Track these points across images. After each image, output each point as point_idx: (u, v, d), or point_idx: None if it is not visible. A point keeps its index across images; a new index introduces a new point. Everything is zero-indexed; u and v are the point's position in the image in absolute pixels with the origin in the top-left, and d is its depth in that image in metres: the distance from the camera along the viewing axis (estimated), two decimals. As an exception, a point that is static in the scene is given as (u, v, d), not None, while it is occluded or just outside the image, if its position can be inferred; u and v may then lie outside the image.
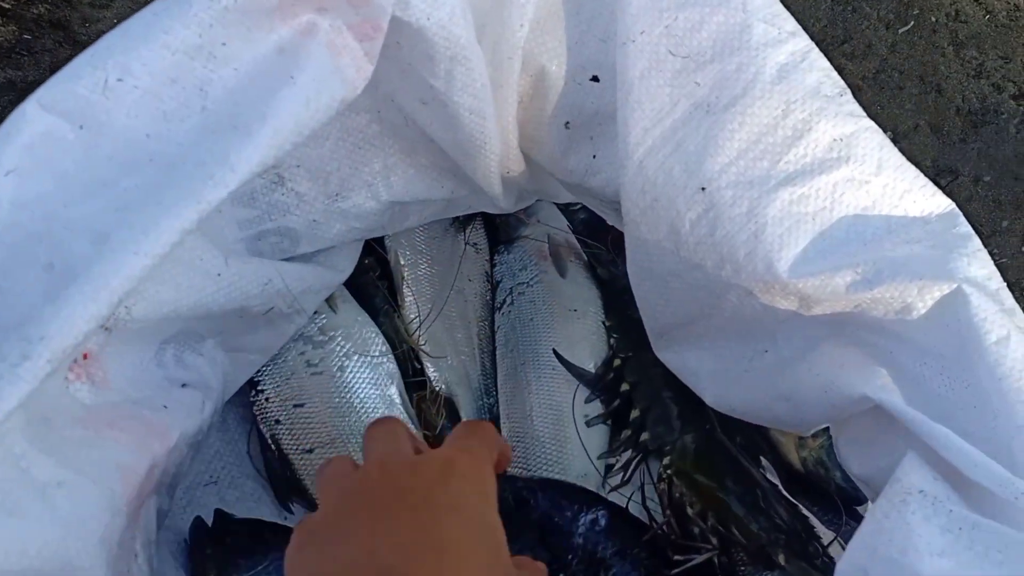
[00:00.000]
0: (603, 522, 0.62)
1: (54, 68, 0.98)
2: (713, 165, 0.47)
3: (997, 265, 0.48)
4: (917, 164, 0.50)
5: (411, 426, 0.64)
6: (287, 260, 0.62)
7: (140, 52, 0.37)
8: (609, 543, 0.61)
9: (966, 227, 0.43)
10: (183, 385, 0.54)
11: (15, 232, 0.34)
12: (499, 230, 0.85)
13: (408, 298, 0.78)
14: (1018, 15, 1.26)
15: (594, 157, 0.59)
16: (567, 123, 0.59)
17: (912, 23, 1.23)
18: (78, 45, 0.98)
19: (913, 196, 0.44)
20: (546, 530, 0.62)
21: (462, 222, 0.84)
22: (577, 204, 0.84)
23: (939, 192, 0.45)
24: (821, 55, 0.48)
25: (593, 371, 0.73)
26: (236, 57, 0.40)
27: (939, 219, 0.44)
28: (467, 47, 0.47)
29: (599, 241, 0.82)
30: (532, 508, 0.63)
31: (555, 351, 0.75)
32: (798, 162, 0.45)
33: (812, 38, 0.49)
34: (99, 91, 0.35)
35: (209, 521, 0.63)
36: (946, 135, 1.13)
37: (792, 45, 0.47)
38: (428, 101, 0.53)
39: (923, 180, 0.45)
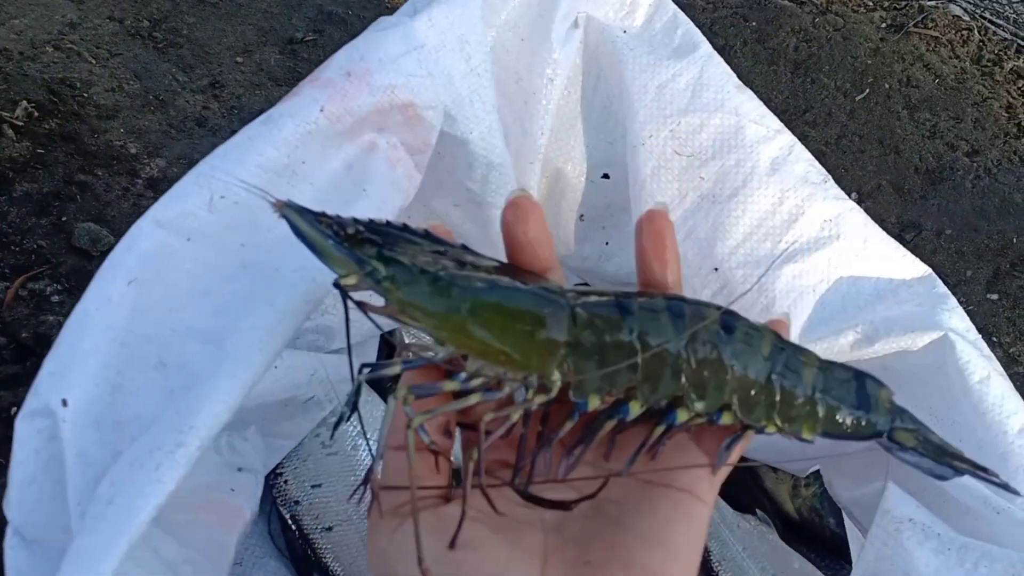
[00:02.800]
0: None
1: (67, 179, 1.02)
2: (723, 248, 0.53)
3: (967, 311, 0.55)
4: (882, 221, 0.57)
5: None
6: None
7: (238, 172, 0.42)
8: None
9: (942, 287, 0.50)
10: (239, 469, 0.57)
11: (130, 336, 0.38)
12: None
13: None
14: (964, 78, 1.37)
15: (607, 244, 0.65)
16: (582, 216, 0.65)
17: (868, 90, 1.34)
18: (88, 155, 1.04)
19: (895, 264, 0.51)
20: None
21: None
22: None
23: (917, 260, 0.52)
24: (803, 147, 0.55)
25: None
26: (312, 174, 0.45)
27: (920, 282, 0.51)
28: (501, 155, 0.54)
29: None
30: None
31: None
32: (796, 241, 0.52)
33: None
34: (205, 208, 0.40)
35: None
36: (907, 193, 1.20)
37: (780, 141, 0.55)
38: (462, 203, 0.59)
39: (903, 250, 0.52)
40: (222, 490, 0.49)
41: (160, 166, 1.07)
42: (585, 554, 0.33)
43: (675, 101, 0.55)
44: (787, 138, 0.55)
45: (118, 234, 0.98)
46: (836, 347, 0.49)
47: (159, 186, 1.05)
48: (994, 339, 1.04)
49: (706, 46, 0.56)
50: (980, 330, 0.60)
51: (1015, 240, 1.16)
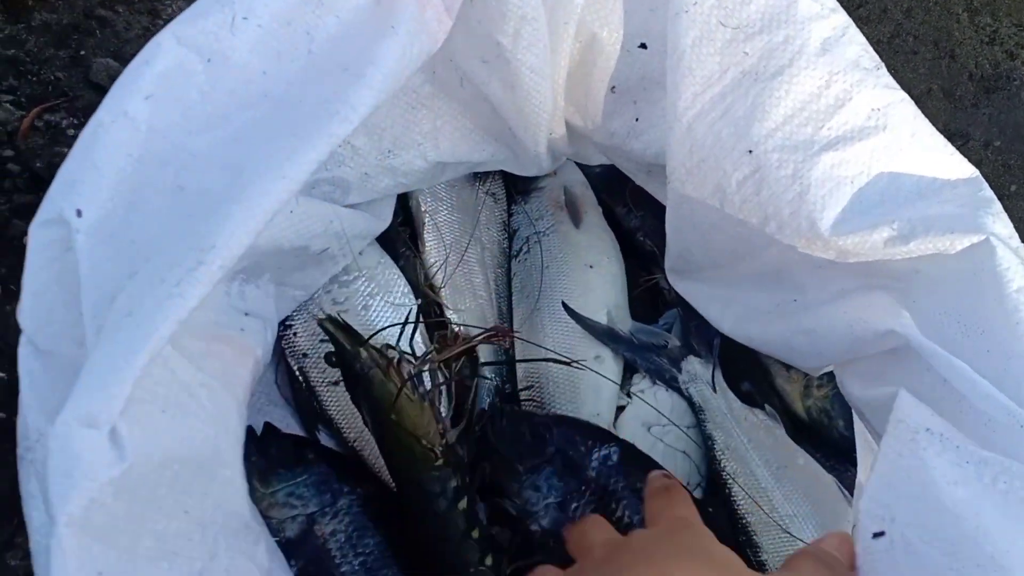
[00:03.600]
0: (615, 458, 0.66)
1: (87, 13, 0.99)
2: (760, 130, 0.51)
3: None
4: None
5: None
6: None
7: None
8: (621, 478, 0.65)
9: (989, 191, 0.48)
10: (246, 314, 0.57)
11: (146, 154, 0.37)
12: (516, 181, 0.88)
13: (429, 243, 0.81)
14: (1032, -17, 1.29)
15: (636, 120, 0.63)
16: (613, 87, 0.62)
17: (928, -12, 1.27)
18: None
19: (942, 163, 0.49)
20: (561, 464, 0.65)
21: (481, 173, 0.88)
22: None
23: (965, 160, 0.49)
24: (857, 30, 0.52)
25: (605, 320, 0.78)
26: (339, 6, 0.43)
27: (965, 183, 0.48)
28: (536, 8, 0.51)
29: (616, 194, 0.86)
30: (547, 443, 0.66)
31: (564, 304, 0.78)
32: (839, 129, 0.49)
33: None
34: (227, 28, 0.38)
35: (258, 432, 0.67)
36: (958, 100, 1.15)
37: (833, 20, 0.51)
38: (490, 59, 0.56)
39: (951, 148, 0.49)
40: (232, 329, 0.49)
41: (181, 7, 1.03)
42: None
43: (725, -34, 0.51)
44: (841, 18, 0.51)
45: None
46: (869, 242, 0.47)
47: (180, 29, 1.02)
48: (1033, 257, 1.01)
49: (763, -95, 0.52)
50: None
51: None
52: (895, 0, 1.26)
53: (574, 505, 0.64)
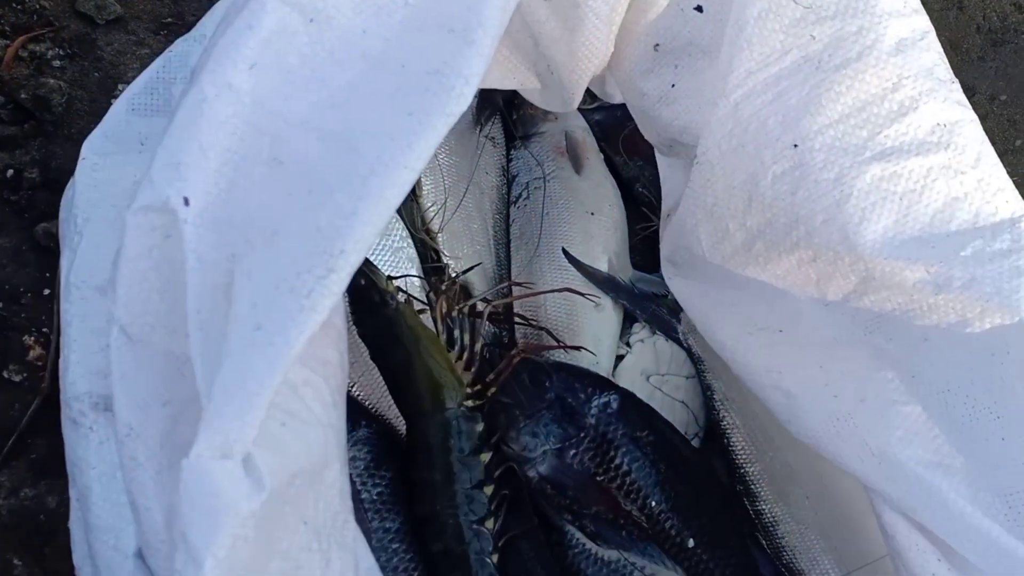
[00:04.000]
0: (615, 406, 0.67)
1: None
2: (811, 124, 0.47)
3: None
4: None
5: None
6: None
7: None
8: (620, 425, 0.66)
9: None
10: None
11: (250, 130, 0.34)
12: (516, 125, 0.86)
13: (427, 187, 0.80)
14: (1044, -69, 1.28)
15: (673, 86, 0.58)
16: (656, 45, 0.59)
17: (934, -65, 1.24)
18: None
19: (1006, 196, 0.45)
20: (560, 410, 0.66)
21: (480, 116, 0.85)
22: (594, 103, 0.87)
23: (1022, 200, 0.45)
24: (937, 40, 0.48)
25: (605, 267, 0.79)
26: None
27: (1012, 228, 0.44)
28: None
29: (613, 140, 0.85)
30: (547, 389, 0.67)
31: (564, 250, 0.78)
32: (897, 139, 0.45)
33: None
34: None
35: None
36: (965, 53, 1.12)
37: (914, 21, 0.47)
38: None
39: (1012, 184, 0.45)
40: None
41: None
42: None
43: (807, -63, 0.49)
44: (923, 21, 0.47)
45: (124, 3, 0.88)
46: (899, 276, 0.44)
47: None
48: (1032, 216, 1.04)
49: None
50: None
51: None
52: (906, -51, 1.23)
53: (572, 452, 0.64)
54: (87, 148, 0.49)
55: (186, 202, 0.33)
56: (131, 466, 0.36)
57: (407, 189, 0.34)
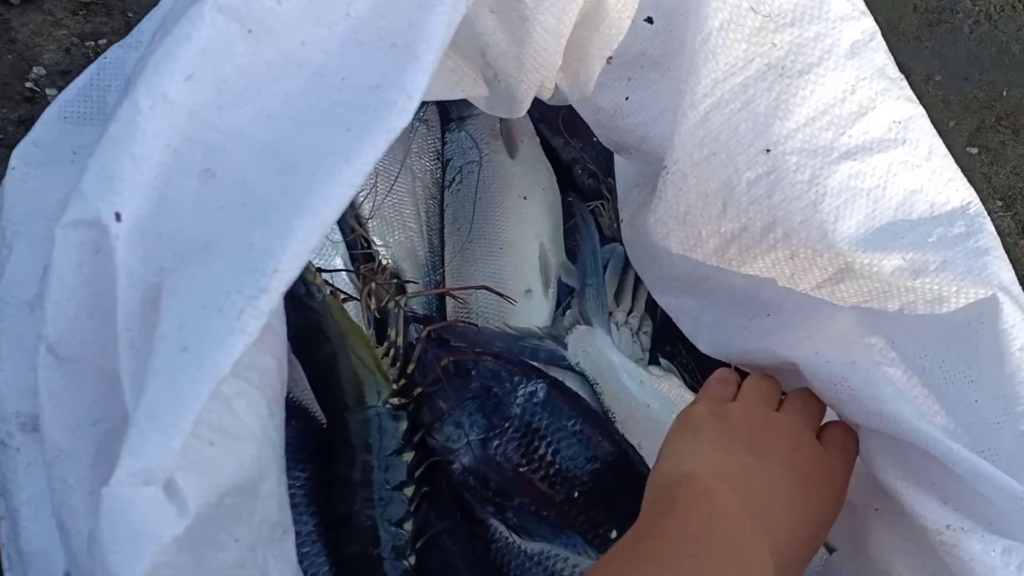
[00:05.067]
0: (541, 395, 0.65)
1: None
2: (781, 129, 0.49)
3: None
4: None
5: (354, 294, 0.64)
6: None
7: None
8: (546, 415, 0.64)
9: (992, 227, 0.47)
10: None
11: (184, 142, 0.33)
12: (450, 108, 0.84)
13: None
14: (977, -91, 1.29)
15: (627, 99, 0.58)
16: (609, 58, 0.59)
17: (872, -80, 1.24)
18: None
19: (956, 185, 0.48)
20: (485, 400, 0.64)
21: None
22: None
23: (971, 188, 0.49)
24: (882, 38, 0.50)
25: (537, 255, 0.76)
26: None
27: (975, 214, 0.48)
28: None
29: (549, 121, 0.83)
30: (472, 378, 0.65)
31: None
32: (859, 138, 0.48)
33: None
34: (275, -5, 0.34)
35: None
36: (902, 32, 1.14)
37: (863, 23, 0.49)
38: (501, 11, 0.52)
39: (961, 173, 0.49)
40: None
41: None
42: None
43: (763, -50, 0.49)
44: (870, 23, 0.49)
45: None
46: (877, 266, 0.47)
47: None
48: (968, 195, 1.05)
49: None
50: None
51: (1004, 92, 1.13)
52: (839, -62, 1.24)
53: (496, 443, 0.63)
54: (16, 157, 0.47)
55: (118, 217, 0.31)
56: (60, 488, 0.34)
57: (344, 205, 0.34)
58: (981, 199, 0.49)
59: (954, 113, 1.12)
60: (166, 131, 0.33)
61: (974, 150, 1.08)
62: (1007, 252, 0.49)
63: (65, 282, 0.32)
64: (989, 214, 0.50)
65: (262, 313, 0.30)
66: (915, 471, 0.44)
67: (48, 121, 0.49)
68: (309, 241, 0.32)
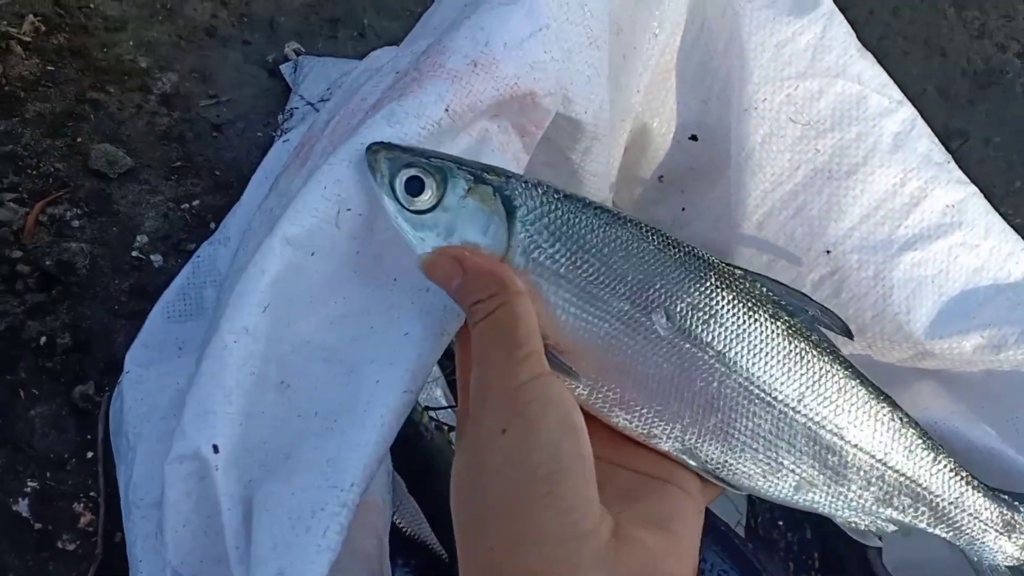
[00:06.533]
0: None
1: (79, 98, 0.95)
2: (837, 229, 0.50)
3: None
4: None
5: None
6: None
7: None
8: None
9: None
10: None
11: (265, 365, 0.36)
12: None
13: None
14: (1015, -28, 1.28)
15: (683, 210, 0.61)
16: (661, 177, 0.61)
17: (913, -14, 1.25)
18: (99, 71, 0.96)
19: (1016, 258, 0.49)
20: None
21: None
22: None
23: None
24: (923, 122, 0.51)
25: None
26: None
27: None
28: (607, 129, 0.50)
29: None
30: None
31: None
32: (916, 227, 0.49)
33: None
34: (332, 222, 0.37)
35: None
36: (954, 98, 1.14)
37: (902, 114, 0.51)
38: (556, 165, 0.55)
39: (1023, 243, 0.50)
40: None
41: (172, 80, 1.00)
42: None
43: (794, 63, 0.51)
44: (909, 111, 0.51)
45: (134, 154, 0.94)
46: (958, 349, 0.48)
47: (172, 102, 0.99)
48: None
49: (828, 2, 0.51)
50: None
51: None
52: (881, 1, 1.26)
53: None
54: (130, 360, 0.51)
55: (215, 449, 0.35)
56: None
57: (408, 411, 0.36)
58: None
59: (1018, 173, 1.10)
60: (249, 360, 0.36)
61: (1043, 208, 1.05)
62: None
63: (178, 510, 0.36)
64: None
65: (344, 527, 0.33)
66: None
67: (154, 322, 0.55)
68: (380, 451, 0.34)
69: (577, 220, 0.38)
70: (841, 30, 0.51)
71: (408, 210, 0.36)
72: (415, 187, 0.36)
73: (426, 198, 0.36)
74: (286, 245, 0.37)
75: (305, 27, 1.07)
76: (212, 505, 0.35)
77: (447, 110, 0.39)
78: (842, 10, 1.29)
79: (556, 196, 0.38)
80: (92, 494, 0.80)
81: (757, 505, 0.71)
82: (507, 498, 0.31)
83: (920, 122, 0.52)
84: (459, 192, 0.37)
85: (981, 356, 0.48)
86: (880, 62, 1.28)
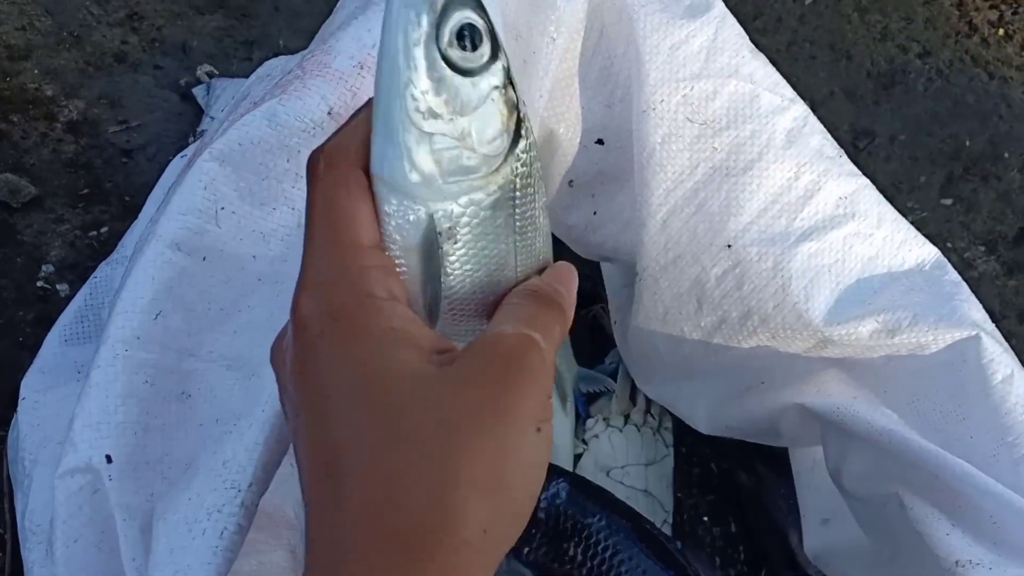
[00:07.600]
0: (563, 495, 0.63)
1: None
2: (736, 224, 0.52)
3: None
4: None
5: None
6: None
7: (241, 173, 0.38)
8: (570, 515, 0.62)
9: (954, 274, 0.50)
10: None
11: (158, 373, 0.35)
12: None
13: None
14: (912, -25, 1.34)
15: (595, 214, 0.62)
16: (571, 182, 0.62)
17: (817, -7, 1.31)
18: (2, 100, 0.93)
19: (908, 246, 0.51)
20: None
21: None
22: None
23: (927, 242, 0.52)
24: (815, 119, 0.53)
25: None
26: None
27: (932, 267, 0.50)
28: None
29: None
30: None
31: None
32: (811, 219, 0.51)
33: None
34: (212, 221, 0.37)
35: None
36: (860, 99, 1.18)
37: (794, 111, 0.52)
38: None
39: (914, 231, 0.51)
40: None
41: (79, 107, 0.97)
42: None
43: (688, 64, 0.52)
44: (801, 108, 0.52)
45: (39, 183, 0.91)
46: (855, 334, 0.49)
47: (80, 129, 0.96)
48: (948, 244, 1.04)
49: (720, 5, 0.53)
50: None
51: (967, 143, 1.16)
52: (788, 8, 1.30)
53: (526, 550, 0.62)
54: (25, 387, 0.50)
55: (108, 459, 0.34)
56: None
57: None
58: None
59: (923, 168, 1.15)
60: (142, 369, 0.35)
61: (948, 201, 1.11)
62: (996, 294, 0.50)
63: (70, 525, 0.35)
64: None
65: (243, 528, 0.32)
66: (922, 491, 0.45)
67: (50, 346, 0.53)
68: (279, 453, 0.33)
69: None
70: (733, 32, 0.53)
71: (444, 58, 0.26)
72: (470, 39, 0.26)
73: (478, 56, 0.26)
74: (176, 251, 0.36)
75: (219, 50, 1.06)
76: (106, 519, 0.34)
77: (330, 112, 0.39)
78: (752, 18, 1.35)
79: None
80: (-1, 531, 0.77)
81: (683, 502, 0.72)
82: None
83: (812, 118, 0.53)
84: (495, 80, 0.27)
85: (878, 341, 0.49)
86: (789, 67, 1.33)
